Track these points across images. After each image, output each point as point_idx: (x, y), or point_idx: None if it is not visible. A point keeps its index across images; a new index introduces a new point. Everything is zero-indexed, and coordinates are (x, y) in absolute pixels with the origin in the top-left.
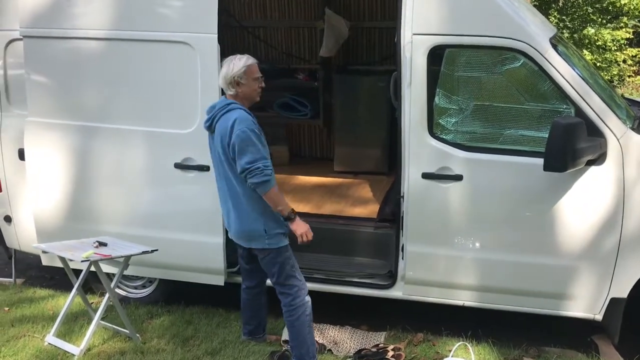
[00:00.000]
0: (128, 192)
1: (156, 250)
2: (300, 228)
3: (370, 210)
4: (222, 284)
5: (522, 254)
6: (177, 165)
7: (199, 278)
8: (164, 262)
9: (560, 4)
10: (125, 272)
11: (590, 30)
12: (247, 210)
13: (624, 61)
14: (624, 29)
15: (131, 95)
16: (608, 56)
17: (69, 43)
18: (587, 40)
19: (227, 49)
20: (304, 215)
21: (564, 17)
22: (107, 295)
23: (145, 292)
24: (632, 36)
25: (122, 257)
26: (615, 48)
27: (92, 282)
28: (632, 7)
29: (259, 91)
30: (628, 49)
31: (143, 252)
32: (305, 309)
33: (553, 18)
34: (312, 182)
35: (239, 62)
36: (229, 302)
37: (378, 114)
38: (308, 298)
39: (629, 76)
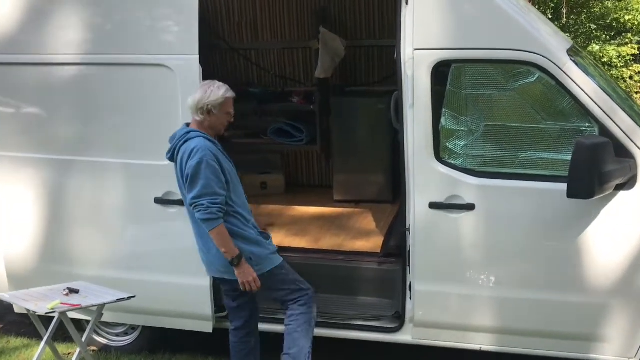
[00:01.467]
0: (105, 231)
1: (133, 297)
2: (244, 276)
3: (373, 243)
4: (210, 330)
5: (545, 291)
6: (158, 200)
7: (184, 324)
8: (146, 307)
9: (564, 21)
10: (105, 319)
11: (595, 47)
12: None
13: (631, 77)
14: (629, 45)
15: (106, 124)
16: (614, 73)
17: (38, 69)
18: (592, 57)
19: (217, 73)
20: (300, 251)
21: (567, 34)
22: (77, 350)
23: (127, 339)
24: (637, 52)
25: (93, 306)
26: (622, 64)
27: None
28: (636, 23)
29: (226, 125)
30: (634, 65)
31: (118, 299)
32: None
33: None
34: (309, 213)
35: (218, 92)
36: (220, 349)
37: (379, 137)
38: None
39: (636, 92)
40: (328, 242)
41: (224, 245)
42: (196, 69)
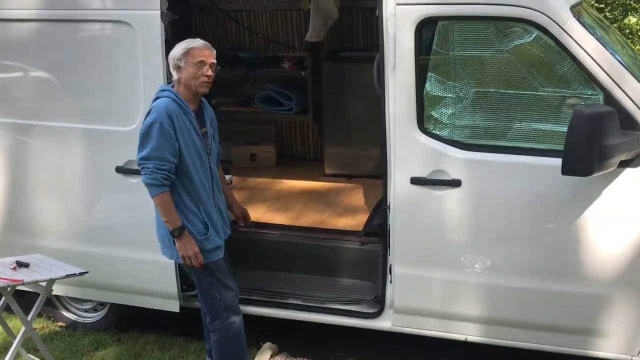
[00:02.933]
0: (66, 201)
1: (85, 272)
2: (183, 249)
3: (358, 221)
4: (177, 309)
5: (538, 279)
6: (119, 169)
7: (150, 303)
8: (110, 283)
9: None
10: (71, 295)
11: (632, 19)
12: (156, 210)
13: None
14: None
15: (64, 86)
16: None
17: None
18: (628, 30)
19: (207, 37)
20: (277, 228)
21: (602, 6)
22: (23, 329)
23: (95, 316)
24: None
25: (36, 281)
26: None
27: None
28: None
29: (204, 80)
30: None
31: (67, 275)
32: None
33: (592, 9)
34: (296, 188)
35: (182, 44)
36: (192, 330)
37: (375, 107)
38: (235, 318)
39: None
40: (310, 218)
41: (165, 214)
42: (158, 25)
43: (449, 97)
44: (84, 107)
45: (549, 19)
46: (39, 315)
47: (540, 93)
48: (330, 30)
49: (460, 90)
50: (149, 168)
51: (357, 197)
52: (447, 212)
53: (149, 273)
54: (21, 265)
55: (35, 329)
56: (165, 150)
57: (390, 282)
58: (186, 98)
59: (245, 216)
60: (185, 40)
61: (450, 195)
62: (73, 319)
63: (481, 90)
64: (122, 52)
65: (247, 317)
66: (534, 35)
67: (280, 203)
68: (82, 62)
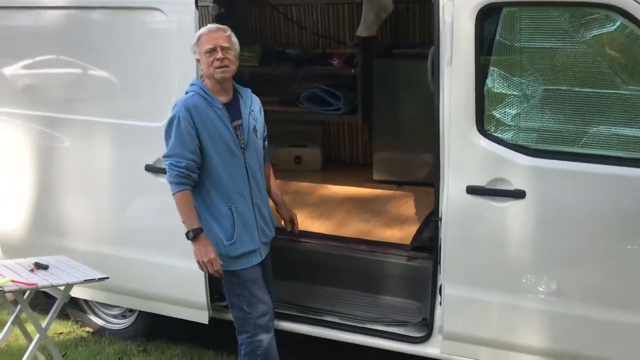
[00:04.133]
0: (94, 201)
1: (105, 278)
2: (199, 254)
3: (406, 233)
4: (205, 321)
5: (613, 309)
6: (149, 168)
7: (178, 312)
8: (137, 289)
9: None
10: (98, 299)
11: None
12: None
13: None
14: None
15: (93, 78)
16: None
17: (17, 14)
18: None
19: (256, 32)
20: (317, 237)
21: None
22: (37, 337)
23: (125, 322)
24: None
25: (51, 286)
26: None
27: (67, 307)
28: None
29: (218, 66)
30: None
31: (86, 280)
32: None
33: None
34: (341, 194)
35: (197, 33)
36: (222, 342)
37: (430, 108)
38: (264, 336)
39: None
40: (353, 228)
41: (182, 214)
42: (192, 12)
43: (514, 95)
44: (113, 101)
45: (638, 4)
46: (67, 318)
47: (622, 92)
48: (383, 24)
49: (527, 88)
50: (167, 165)
51: (406, 206)
52: (508, 226)
53: (177, 280)
54: (40, 267)
55: (62, 333)
56: (183, 146)
57: (440, 303)
58: (213, 90)
59: (293, 221)
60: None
61: (512, 207)
62: (101, 324)
63: (552, 87)
64: (154, 42)
65: (278, 333)
66: (617, 24)
67: (323, 210)
68: (112, 51)
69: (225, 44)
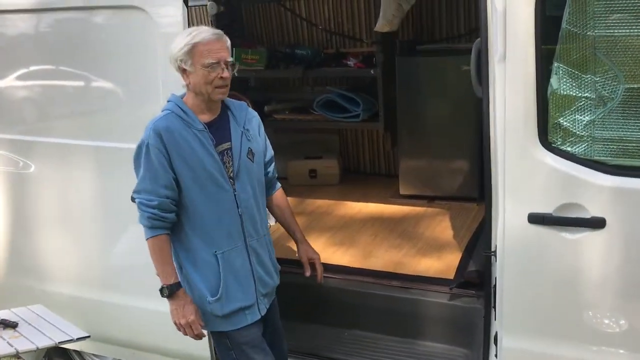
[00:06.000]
0: (75, 237)
1: (85, 337)
2: (175, 315)
3: (446, 264)
4: None
5: None
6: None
7: None
8: (130, 339)
9: None
10: (86, 350)
11: None
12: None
13: None
14: None
15: (65, 93)
16: None
17: None
18: None
19: (262, 34)
20: (339, 271)
21: None
22: None
23: None
24: None
25: (15, 354)
26: None
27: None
28: None
29: (220, 85)
30: None
31: (59, 342)
32: None
33: None
34: (364, 213)
35: (182, 38)
36: None
37: (462, 111)
38: None
39: None
40: (382, 258)
41: (156, 265)
42: (180, 11)
43: (587, 98)
44: (90, 120)
45: None
46: None
47: None
48: (405, 18)
49: (604, 88)
50: (137, 204)
51: (441, 227)
52: (583, 264)
53: (176, 330)
54: (7, 325)
55: None
56: (154, 180)
57: (496, 356)
58: (194, 107)
59: (314, 265)
60: (186, 31)
61: (589, 239)
62: None
63: (636, 86)
64: (135, 47)
65: None
66: None
67: (344, 234)
68: (88, 61)
69: (229, 59)
